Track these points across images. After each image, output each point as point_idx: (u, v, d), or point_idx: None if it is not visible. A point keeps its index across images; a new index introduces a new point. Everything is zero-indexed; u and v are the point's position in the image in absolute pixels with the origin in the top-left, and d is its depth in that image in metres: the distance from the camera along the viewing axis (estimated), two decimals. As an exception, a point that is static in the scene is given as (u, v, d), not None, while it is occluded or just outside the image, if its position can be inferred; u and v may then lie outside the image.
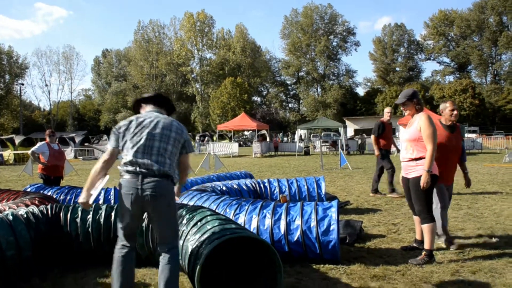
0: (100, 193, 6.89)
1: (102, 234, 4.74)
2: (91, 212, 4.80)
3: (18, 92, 64.82)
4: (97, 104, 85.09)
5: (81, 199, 3.42)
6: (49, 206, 4.95)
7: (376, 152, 9.48)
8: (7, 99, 65.81)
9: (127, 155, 3.41)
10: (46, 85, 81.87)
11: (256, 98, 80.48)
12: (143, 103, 3.78)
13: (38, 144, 8.47)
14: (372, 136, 9.54)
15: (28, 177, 16.58)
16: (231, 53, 70.57)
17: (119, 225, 3.47)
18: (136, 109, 3.85)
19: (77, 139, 36.72)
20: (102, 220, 4.76)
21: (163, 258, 3.39)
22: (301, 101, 78.35)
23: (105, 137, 37.46)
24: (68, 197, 7.00)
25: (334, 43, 75.64)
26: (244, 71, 72.18)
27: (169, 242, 3.42)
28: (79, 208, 4.87)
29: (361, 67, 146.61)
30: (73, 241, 4.73)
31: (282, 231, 4.68)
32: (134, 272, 3.61)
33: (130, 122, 3.52)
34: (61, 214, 4.84)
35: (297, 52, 74.16)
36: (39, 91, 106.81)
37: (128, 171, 3.36)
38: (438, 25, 71.13)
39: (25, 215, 4.64)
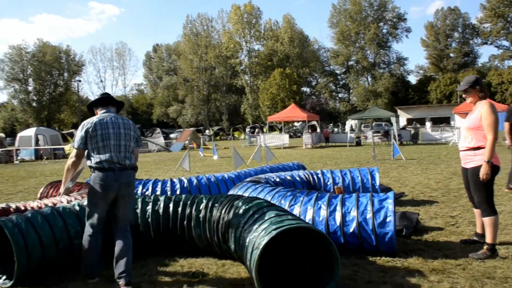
0: (156, 184, 7.11)
1: (161, 224, 4.91)
2: (150, 203, 4.98)
3: (76, 89, 67.74)
4: (149, 98, 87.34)
5: (61, 191, 4.38)
6: None
7: (509, 142, 7.89)
8: (66, 95, 68.91)
9: (101, 153, 3.99)
10: (101, 81, 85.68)
11: (306, 89, 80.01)
12: (95, 106, 4.34)
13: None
14: (506, 124, 7.88)
15: (87, 169, 17.29)
16: (279, 44, 70.38)
17: (94, 212, 4.06)
18: (91, 111, 4.45)
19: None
20: (161, 211, 4.92)
21: (125, 236, 4.09)
22: (351, 90, 77.17)
23: (158, 130, 38.51)
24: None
25: (384, 30, 73.70)
26: (292, 61, 71.82)
27: (128, 222, 4.22)
28: (139, 199, 5.08)
29: (413, 54, 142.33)
30: (135, 231, 4.94)
31: (338, 223, 4.67)
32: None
33: (95, 124, 4.03)
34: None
35: (346, 41, 72.93)
36: (95, 87, 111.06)
37: (103, 168, 3.96)
38: (496, 6, 67.20)
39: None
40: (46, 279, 4.32)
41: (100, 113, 4.19)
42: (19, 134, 31.77)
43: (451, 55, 71.98)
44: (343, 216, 4.68)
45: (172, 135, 45.61)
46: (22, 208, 5.32)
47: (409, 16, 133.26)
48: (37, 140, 29.16)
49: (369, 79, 73.54)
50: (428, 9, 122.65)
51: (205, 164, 18.07)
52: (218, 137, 54.67)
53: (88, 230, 4.09)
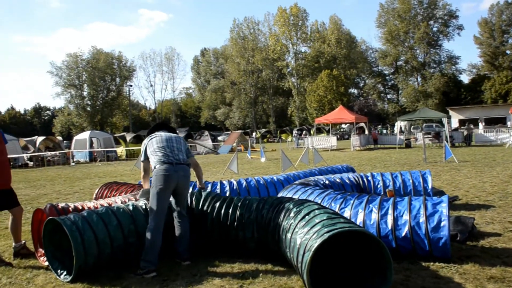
0: (206, 186, 7.25)
1: (213, 225, 5.01)
2: (218, 202, 5.12)
3: (127, 93, 69.96)
4: (197, 101, 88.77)
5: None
6: None
7: None
8: (118, 100, 71.19)
9: (158, 153, 4.84)
10: (151, 85, 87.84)
11: (353, 90, 78.96)
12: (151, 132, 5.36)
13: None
14: None
15: (139, 171, 17.77)
16: (326, 45, 69.85)
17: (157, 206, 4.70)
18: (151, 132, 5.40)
19: (181, 135, 38.60)
20: (230, 210, 5.02)
21: (182, 217, 4.92)
22: (400, 91, 75.38)
23: (206, 132, 39.11)
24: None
25: (435, 29, 71.32)
26: (339, 63, 71.07)
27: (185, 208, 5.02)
28: (209, 198, 5.26)
29: (465, 53, 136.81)
30: (207, 229, 5.13)
31: (389, 227, 4.60)
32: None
33: (149, 138, 5.11)
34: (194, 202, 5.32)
35: (395, 41, 71.22)
36: (145, 91, 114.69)
37: (163, 162, 4.75)
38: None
39: (144, 206, 5.07)
40: (102, 276, 4.50)
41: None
42: (75, 137, 33.14)
43: (508, 52, 68.65)
44: (395, 219, 4.61)
45: (219, 138, 46.16)
46: (80, 207, 5.56)
47: (461, 13, 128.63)
48: (91, 143, 30.32)
49: (419, 79, 71.47)
50: (482, 4, 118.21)
51: (252, 166, 18.19)
52: (265, 140, 54.82)
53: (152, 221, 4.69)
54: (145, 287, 4.19)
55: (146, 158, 4.95)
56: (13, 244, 5.46)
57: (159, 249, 4.64)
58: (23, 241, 5.53)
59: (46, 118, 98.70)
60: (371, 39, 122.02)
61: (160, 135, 5.03)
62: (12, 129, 74.51)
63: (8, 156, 5.64)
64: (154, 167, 4.74)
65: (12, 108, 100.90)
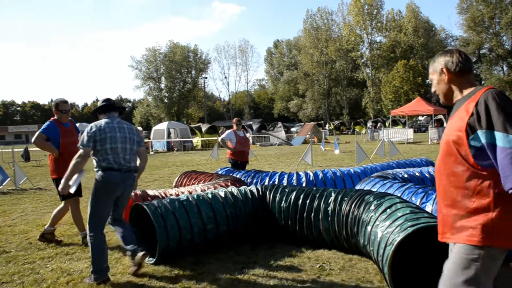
0: (283, 177, 7.29)
1: (290, 214, 5.06)
2: (282, 193, 5.17)
3: (202, 85, 71.77)
4: (271, 92, 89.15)
5: (61, 187, 4.32)
6: (259, 186, 5.57)
7: None
8: (194, 91, 73.23)
9: (109, 154, 4.27)
10: (225, 77, 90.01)
11: (431, 81, 75.68)
12: (100, 112, 4.58)
13: (226, 132, 9.21)
14: None
15: (214, 161, 18.27)
16: (403, 35, 67.33)
17: (101, 212, 4.28)
18: (96, 116, 4.68)
19: (254, 127, 39.16)
20: (292, 201, 5.07)
21: (119, 221, 4.51)
22: (482, 82, 71.18)
23: (279, 124, 39.21)
24: (255, 180, 7.47)
25: (525, 13, 66.60)
26: (417, 52, 68.32)
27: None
28: (279, 189, 5.34)
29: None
30: (274, 218, 5.22)
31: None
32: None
33: (101, 127, 4.30)
34: (267, 193, 5.41)
35: (478, 27, 67.13)
36: (219, 83, 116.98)
37: (112, 168, 4.25)
38: None
39: (223, 195, 5.22)
40: (182, 261, 4.70)
41: (105, 118, 4.48)
42: (154, 128, 34.60)
43: None
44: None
45: (293, 129, 46.15)
46: (162, 195, 5.83)
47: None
48: (169, 133, 31.49)
49: (505, 68, 67.09)
50: None
51: (326, 158, 18.05)
52: (338, 132, 54.12)
53: (97, 229, 4.23)
54: (224, 273, 4.32)
55: (90, 146, 4.24)
56: (47, 225, 5.76)
57: (106, 253, 4.33)
58: (55, 228, 5.82)
59: (127, 109, 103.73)
60: (451, 26, 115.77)
61: (115, 130, 4.36)
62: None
63: None
64: (100, 167, 4.28)
65: (97, 100, 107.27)
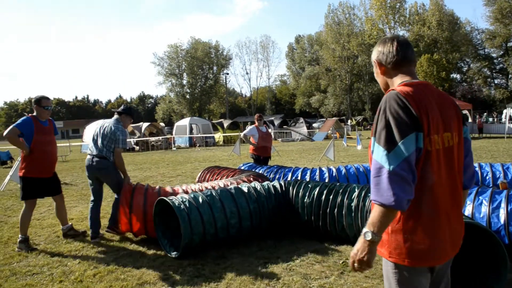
0: (305, 172, 7.29)
1: (313, 209, 5.06)
2: (317, 188, 5.18)
3: (224, 81, 71.95)
4: (292, 88, 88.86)
5: (126, 181, 5.75)
6: (282, 182, 5.62)
7: None
8: (215, 87, 73.50)
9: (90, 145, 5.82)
10: (247, 73, 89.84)
11: (456, 75, 74.25)
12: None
13: (249, 127, 9.22)
14: None
15: (236, 156, 18.34)
16: (426, 28, 66.27)
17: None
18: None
19: (276, 122, 39.14)
20: (315, 196, 5.07)
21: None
22: (510, 76, 69.63)
23: (301, 119, 39.09)
24: (277, 176, 7.48)
25: (556, 4, 64.72)
26: (441, 46, 67.13)
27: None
28: (302, 184, 5.36)
29: None
30: (297, 213, 5.25)
31: (502, 221, 4.30)
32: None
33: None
34: (290, 188, 5.44)
35: (505, 19, 65.45)
36: (241, 79, 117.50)
37: (88, 153, 5.79)
38: None
39: (246, 190, 5.26)
40: (206, 255, 4.76)
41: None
42: (176, 124, 34.86)
43: None
44: (509, 214, 4.30)
45: (314, 125, 45.95)
46: (186, 190, 5.89)
47: None
48: (191, 129, 31.68)
49: (533, 62, 65.48)
50: None
51: (349, 154, 17.94)
52: (360, 127, 53.67)
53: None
54: (247, 267, 4.36)
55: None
56: (61, 227, 5.86)
57: (98, 221, 5.76)
58: (70, 224, 5.94)
59: (149, 105, 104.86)
60: (477, 19, 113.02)
61: (100, 125, 5.88)
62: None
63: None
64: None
65: (120, 96, 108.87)
